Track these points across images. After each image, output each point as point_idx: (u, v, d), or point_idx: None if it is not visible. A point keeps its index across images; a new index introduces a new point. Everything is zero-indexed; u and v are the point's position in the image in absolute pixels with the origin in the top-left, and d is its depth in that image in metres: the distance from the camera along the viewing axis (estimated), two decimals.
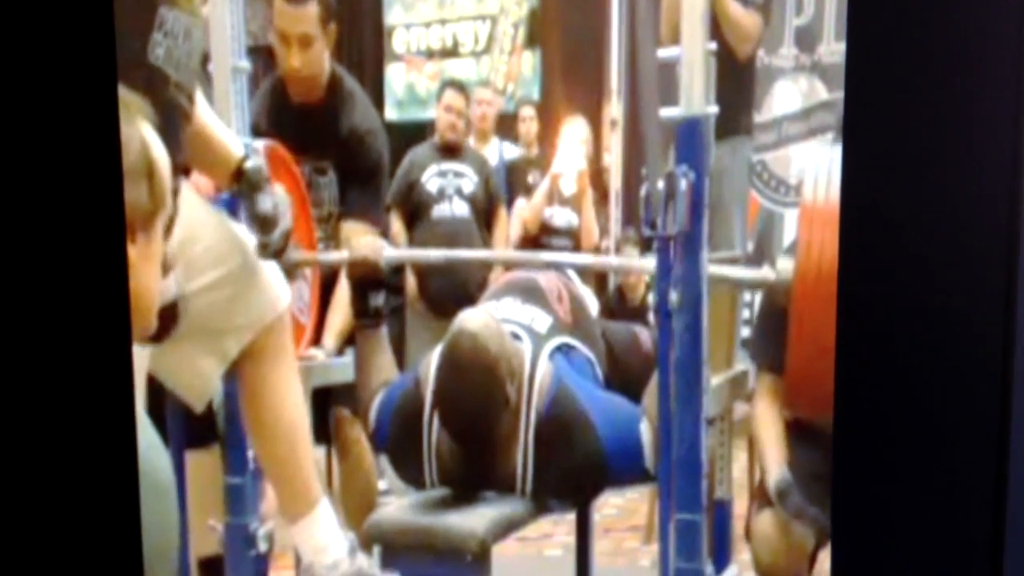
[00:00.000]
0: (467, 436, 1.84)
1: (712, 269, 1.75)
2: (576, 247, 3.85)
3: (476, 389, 1.79)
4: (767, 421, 2.03)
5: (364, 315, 2.05)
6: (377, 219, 2.45)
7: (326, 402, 2.29)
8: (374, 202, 2.43)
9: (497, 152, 4.40)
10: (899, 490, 0.62)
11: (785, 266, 1.81)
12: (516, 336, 1.93)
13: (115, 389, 0.62)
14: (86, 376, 0.62)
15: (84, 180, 0.61)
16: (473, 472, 1.88)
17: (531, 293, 2.06)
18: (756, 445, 2.14)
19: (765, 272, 1.87)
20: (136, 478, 0.61)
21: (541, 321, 1.98)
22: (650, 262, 1.82)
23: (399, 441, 1.97)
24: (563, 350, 1.95)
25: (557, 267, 2.21)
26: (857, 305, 0.63)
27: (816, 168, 1.82)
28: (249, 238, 1.71)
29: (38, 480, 0.62)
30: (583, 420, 1.83)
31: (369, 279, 2.03)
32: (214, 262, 1.57)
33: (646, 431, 1.82)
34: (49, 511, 0.62)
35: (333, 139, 2.39)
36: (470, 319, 1.83)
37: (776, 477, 1.95)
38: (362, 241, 2.12)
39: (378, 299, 2.06)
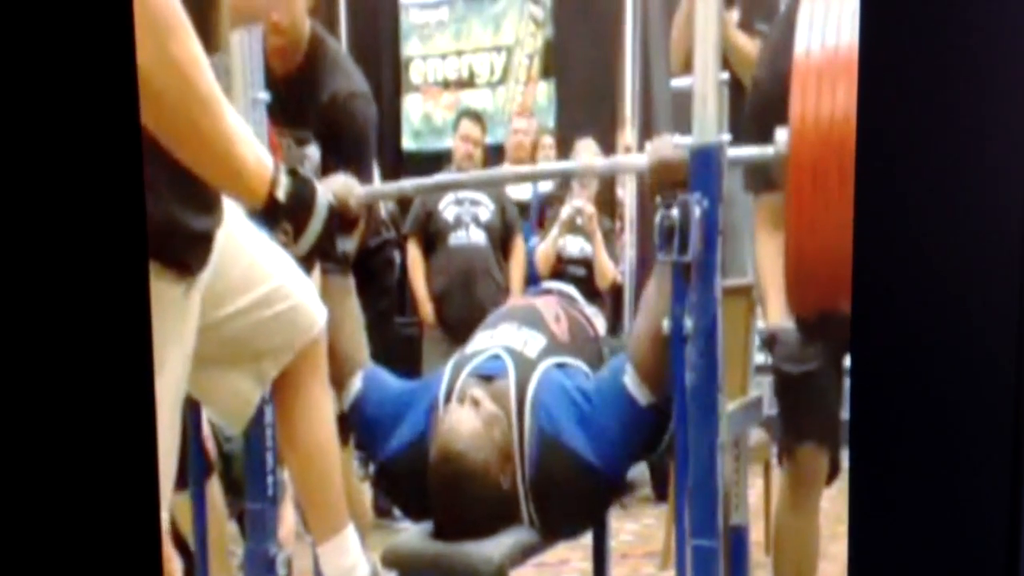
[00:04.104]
0: (464, 531, 1.82)
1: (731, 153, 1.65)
2: (590, 275, 3.87)
3: (468, 499, 1.79)
4: (769, 256, 1.93)
5: (332, 262, 1.91)
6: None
7: None
8: (359, 172, 2.20)
9: (532, 184, 4.42)
10: (914, 421, 0.63)
11: (783, 138, 1.66)
12: (497, 357, 1.92)
13: (135, 392, 0.63)
14: (107, 379, 0.63)
15: (107, 188, 0.63)
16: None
17: (528, 318, 2.05)
18: (758, 284, 2.03)
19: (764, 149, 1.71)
20: (156, 479, 0.63)
21: (534, 344, 1.96)
22: (639, 158, 1.77)
23: (406, 496, 1.97)
24: (556, 367, 1.93)
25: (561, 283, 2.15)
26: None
27: (808, 20, 1.68)
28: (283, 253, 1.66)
29: (54, 479, 0.63)
30: (571, 459, 1.80)
31: (338, 222, 1.88)
32: (250, 284, 1.56)
33: (630, 380, 1.79)
34: (67, 510, 0.63)
35: (313, 105, 2.29)
36: (454, 435, 1.78)
37: (774, 325, 1.91)
38: (332, 181, 1.94)
39: (347, 243, 1.91)
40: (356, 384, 1.98)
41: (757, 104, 1.97)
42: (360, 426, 1.99)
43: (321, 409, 1.72)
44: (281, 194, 1.38)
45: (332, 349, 1.96)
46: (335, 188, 1.87)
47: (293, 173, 1.40)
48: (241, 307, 1.56)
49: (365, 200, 1.96)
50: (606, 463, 1.79)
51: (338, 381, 1.98)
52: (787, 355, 1.91)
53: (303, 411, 1.71)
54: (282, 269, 1.60)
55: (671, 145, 1.73)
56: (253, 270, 1.57)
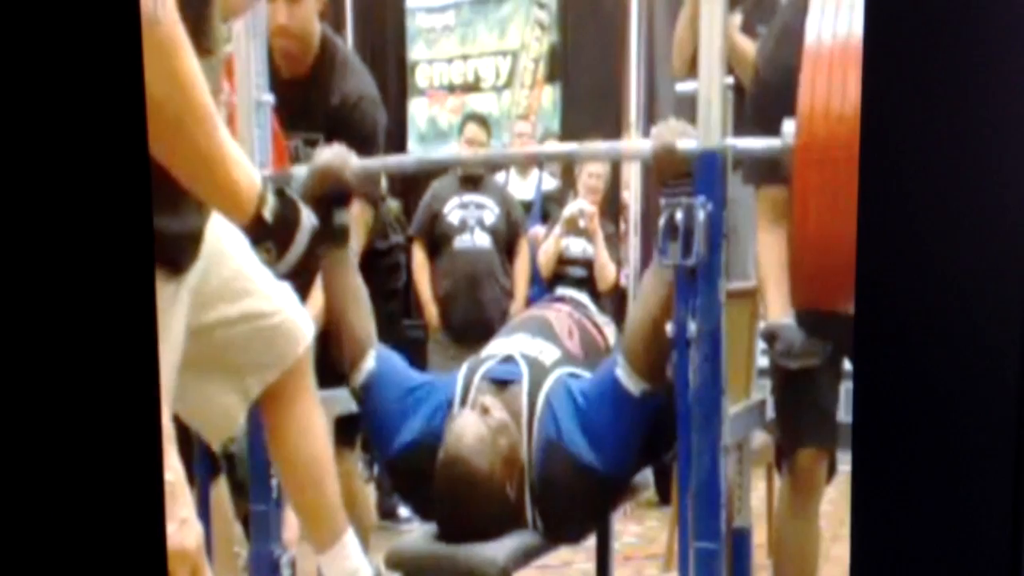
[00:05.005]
0: (468, 534, 1.82)
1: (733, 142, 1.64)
2: (591, 276, 3.87)
3: (472, 504, 1.78)
4: (770, 249, 1.91)
5: (329, 236, 1.85)
6: (370, 192, 2.27)
7: None
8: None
9: (536, 183, 4.45)
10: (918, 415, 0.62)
11: (790, 129, 1.62)
12: (511, 358, 1.92)
13: (140, 398, 0.63)
14: (111, 384, 0.63)
15: (114, 191, 0.63)
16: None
17: (541, 328, 2.05)
18: (759, 278, 2.00)
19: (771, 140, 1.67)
20: (160, 481, 0.63)
21: (549, 353, 1.96)
22: (643, 143, 1.74)
23: (414, 493, 1.97)
24: (568, 376, 1.92)
25: (567, 290, 2.15)
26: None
27: (820, 9, 1.64)
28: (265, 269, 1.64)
29: (55, 479, 0.64)
30: (573, 464, 1.80)
31: (334, 193, 1.87)
32: (237, 293, 1.57)
33: (622, 371, 1.78)
34: (71, 515, 0.64)
35: (323, 108, 2.29)
36: (461, 439, 1.77)
37: (774, 321, 1.90)
38: (326, 151, 1.92)
39: (343, 216, 1.91)
40: (369, 363, 1.93)
41: (758, 96, 1.96)
42: (370, 412, 1.96)
43: (312, 424, 1.72)
44: (267, 213, 1.39)
45: (341, 330, 1.94)
46: (330, 158, 1.89)
47: (280, 193, 1.43)
48: (227, 316, 1.56)
49: (361, 173, 1.93)
50: (606, 463, 1.79)
51: (351, 360, 1.94)
52: (786, 351, 1.91)
53: (294, 427, 1.71)
54: (269, 284, 1.60)
55: (677, 130, 1.71)
56: (240, 279, 1.57)
